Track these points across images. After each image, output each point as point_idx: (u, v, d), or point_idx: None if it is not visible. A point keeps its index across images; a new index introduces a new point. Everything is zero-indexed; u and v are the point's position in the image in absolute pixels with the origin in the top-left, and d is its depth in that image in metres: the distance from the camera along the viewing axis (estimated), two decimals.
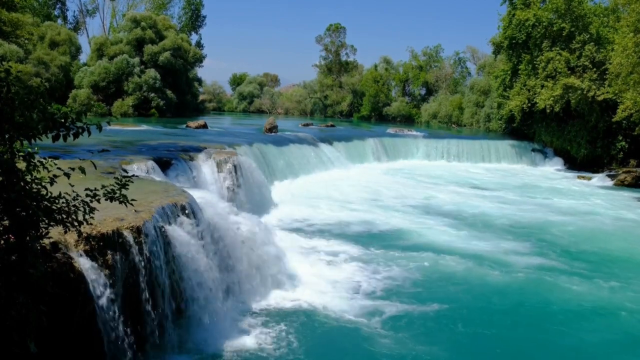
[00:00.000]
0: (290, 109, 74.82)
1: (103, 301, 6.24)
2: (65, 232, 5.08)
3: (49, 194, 4.75)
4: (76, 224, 4.95)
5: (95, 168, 5.16)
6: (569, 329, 9.39)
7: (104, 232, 6.59)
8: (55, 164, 4.80)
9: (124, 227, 6.92)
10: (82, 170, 4.82)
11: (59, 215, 4.78)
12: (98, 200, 5.15)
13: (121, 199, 5.22)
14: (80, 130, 4.56)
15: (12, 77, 4.35)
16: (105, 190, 5.19)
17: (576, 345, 8.89)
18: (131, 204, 5.33)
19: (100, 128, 4.63)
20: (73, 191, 5.06)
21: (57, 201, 4.80)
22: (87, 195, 5.10)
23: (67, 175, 4.71)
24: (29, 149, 4.53)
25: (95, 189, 5.13)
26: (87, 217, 5.06)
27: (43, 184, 4.72)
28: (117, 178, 5.38)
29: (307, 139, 27.78)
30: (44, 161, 4.65)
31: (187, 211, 8.67)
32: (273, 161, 22.14)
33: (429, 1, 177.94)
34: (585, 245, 14.80)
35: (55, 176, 4.72)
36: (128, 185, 5.32)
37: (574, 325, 9.56)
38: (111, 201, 5.20)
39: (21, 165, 4.53)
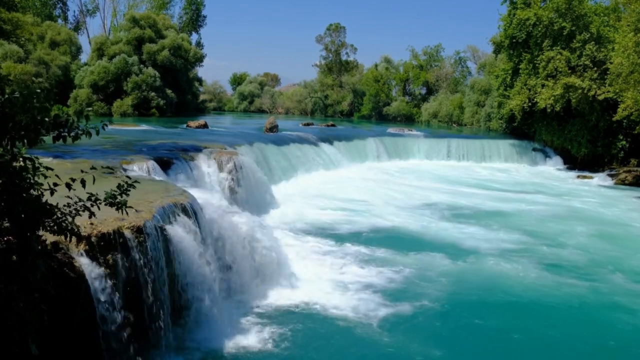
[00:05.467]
0: (290, 109, 74.83)
1: (103, 301, 6.24)
2: (66, 238, 5.08)
3: (49, 198, 4.75)
4: (75, 230, 4.96)
5: (94, 182, 5.15)
6: (570, 330, 9.40)
7: (105, 231, 6.59)
8: (53, 170, 4.80)
9: (124, 226, 6.92)
10: (83, 184, 4.83)
11: (59, 220, 4.79)
12: (99, 206, 5.16)
13: (120, 206, 5.23)
14: (79, 133, 4.56)
15: (11, 78, 4.35)
16: (107, 195, 5.19)
17: (573, 344, 8.90)
18: (126, 213, 5.32)
19: (98, 132, 4.64)
20: (75, 195, 5.06)
21: (57, 205, 4.80)
22: (88, 199, 5.11)
23: (69, 186, 4.73)
24: (27, 155, 4.53)
25: (97, 194, 5.13)
26: (81, 227, 5.06)
27: (44, 188, 4.73)
28: (119, 184, 5.36)
29: (307, 139, 27.77)
30: (43, 169, 4.65)
31: (187, 211, 8.67)
32: (274, 161, 22.13)
33: (429, 1, 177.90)
34: (586, 245, 14.76)
35: (55, 185, 4.74)
36: (129, 191, 5.33)
37: (576, 327, 9.56)
38: (111, 206, 5.21)
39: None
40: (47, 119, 4.37)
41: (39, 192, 4.68)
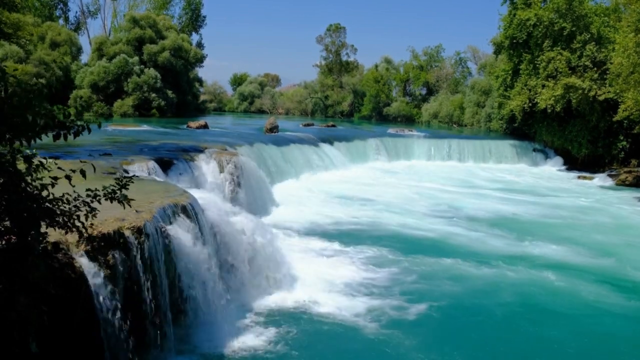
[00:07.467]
0: (291, 109, 74.87)
1: (104, 301, 6.23)
2: (67, 233, 5.08)
3: (50, 195, 4.75)
4: (78, 224, 4.95)
5: (95, 171, 5.15)
6: (572, 330, 9.38)
7: (105, 232, 6.59)
8: (56, 164, 4.80)
9: (125, 227, 6.91)
10: (83, 174, 4.82)
11: (60, 217, 4.78)
12: (99, 201, 5.14)
13: (121, 200, 5.21)
14: (80, 129, 4.56)
15: (9, 76, 4.35)
16: (106, 190, 5.19)
17: (578, 344, 8.86)
18: (129, 205, 5.32)
19: (99, 125, 4.63)
20: (74, 191, 5.06)
21: (57, 203, 4.80)
22: (87, 196, 5.10)
23: (69, 177, 4.71)
24: (29, 151, 4.53)
25: (96, 190, 5.13)
26: (87, 222, 5.05)
27: (44, 185, 4.72)
28: (117, 178, 5.38)
29: (308, 139, 27.76)
30: (44, 162, 4.65)
31: (188, 211, 8.67)
32: (274, 161, 22.12)
33: (430, 1, 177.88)
34: (587, 245, 14.65)
35: (56, 178, 4.72)
36: (128, 185, 5.31)
37: (578, 326, 9.53)
38: (111, 202, 5.19)
39: (22, 166, 4.53)
40: (45, 116, 4.36)
41: (40, 191, 4.68)
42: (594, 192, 24.96)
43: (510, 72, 36.29)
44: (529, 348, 8.66)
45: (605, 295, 10.90)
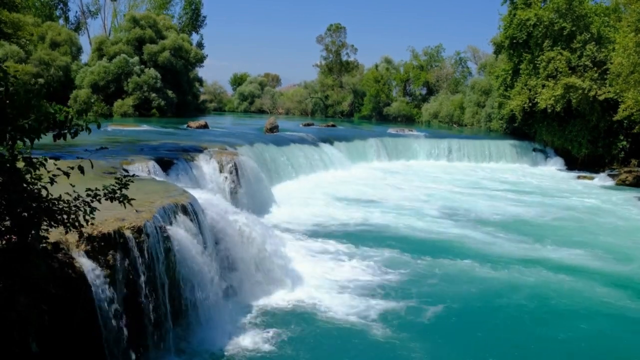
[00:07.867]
0: (291, 109, 74.84)
1: (104, 301, 6.23)
2: (67, 232, 5.08)
3: (50, 195, 4.75)
4: (77, 224, 4.95)
5: (92, 167, 5.15)
6: (574, 328, 9.37)
7: (105, 232, 6.59)
8: (56, 164, 4.81)
9: (125, 227, 6.91)
10: (81, 170, 4.82)
11: (60, 216, 4.78)
12: (99, 200, 5.14)
13: (121, 199, 5.22)
14: (79, 129, 4.56)
15: (11, 77, 4.35)
16: (106, 190, 5.19)
17: (593, 347, 8.80)
18: (131, 204, 5.32)
19: (99, 126, 4.63)
20: (74, 191, 5.05)
21: (58, 202, 4.80)
22: (87, 195, 5.10)
23: (67, 174, 4.71)
24: (27, 150, 4.53)
25: (96, 189, 5.13)
26: (87, 217, 5.05)
27: (44, 184, 4.72)
28: (117, 178, 5.39)
29: (308, 139, 27.76)
30: (44, 162, 4.65)
31: (188, 211, 8.67)
32: (274, 161, 22.12)
33: (430, 1, 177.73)
34: (601, 247, 14.53)
35: (55, 176, 4.72)
36: (128, 185, 5.31)
37: (593, 329, 9.47)
38: (111, 201, 5.20)
39: (20, 164, 4.53)
40: (46, 117, 4.37)
41: (40, 190, 4.68)
42: (596, 193, 24.94)
43: (510, 72, 36.30)
44: (543, 352, 8.59)
45: (620, 299, 10.85)
